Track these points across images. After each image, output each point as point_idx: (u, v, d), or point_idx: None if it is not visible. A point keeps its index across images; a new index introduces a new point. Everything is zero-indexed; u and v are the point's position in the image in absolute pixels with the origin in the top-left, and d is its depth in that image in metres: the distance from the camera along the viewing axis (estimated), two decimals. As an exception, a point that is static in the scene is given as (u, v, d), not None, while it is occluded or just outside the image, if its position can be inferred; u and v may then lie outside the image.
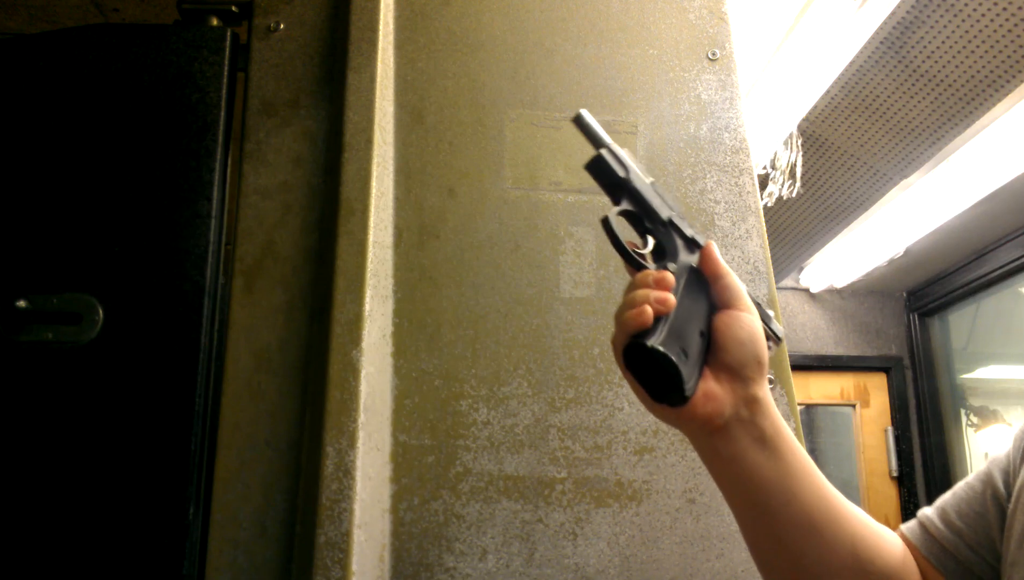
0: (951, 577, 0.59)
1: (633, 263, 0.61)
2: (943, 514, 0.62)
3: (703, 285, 0.61)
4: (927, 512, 0.64)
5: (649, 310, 0.54)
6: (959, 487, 0.63)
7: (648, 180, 0.64)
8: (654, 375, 0.55)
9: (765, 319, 0.61)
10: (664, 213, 0.63)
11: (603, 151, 0.63)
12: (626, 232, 0.62)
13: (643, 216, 0.63)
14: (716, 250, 0.61)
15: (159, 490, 0.82)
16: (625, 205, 0.62)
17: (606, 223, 0.59)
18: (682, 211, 0.65)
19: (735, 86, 1.01)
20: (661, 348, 0.53)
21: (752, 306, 0.59)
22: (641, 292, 0.55)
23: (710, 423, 0.55)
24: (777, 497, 0.55)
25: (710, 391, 0.55)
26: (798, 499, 0.55)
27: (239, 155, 0.93)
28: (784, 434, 0.56)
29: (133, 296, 0.88)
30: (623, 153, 0.64)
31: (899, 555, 0.60)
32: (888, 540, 0.60)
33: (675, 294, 0.57)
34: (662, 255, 0.62)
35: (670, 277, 0.57)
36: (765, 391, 0.56)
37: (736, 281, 0.60)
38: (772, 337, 0.63)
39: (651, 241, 0.63)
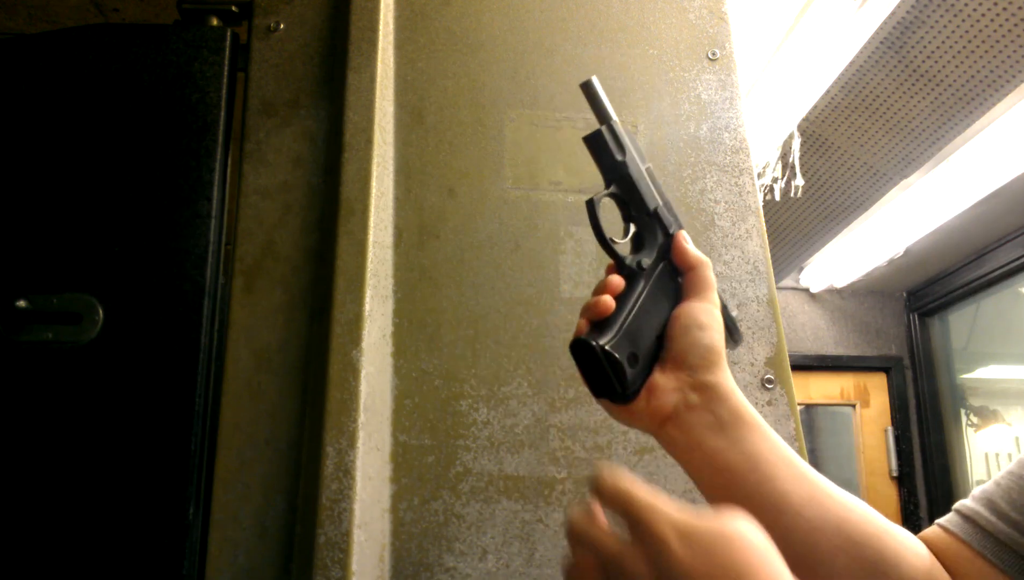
0: (1010, 571, 0.56)
1: (608, 252, 0.60)
2: (992, 505, 0.59)
3: (676, 280, 0.60)
4: (968, 504, 0.60)
5: (583, 322, 0.56)
6: (1002, 478, 0.60)
7: (645, 165, 0.62)
8: (597, 375, 0.55)
9: (728, 320, 0.61)
10: (651, 203, 0.61)
11: (604, 128, 0.61)
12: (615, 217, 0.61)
13: (629, 203, 0.61)
14: (685, 241, 0.60)
15: (159, 490, 0.82)
16: (613, 189, 0.61)
17: (590, 206, 0.59)
18: (670, 201, 0.63)
19: (735, 86, 1.01)
20: (595, 347, 0.53)
21: (715, 297, 0.58)
22: (591, 299, 0.57)
23: (656, 415, 0.55)
24: (746, 481, 0.53)
25: (652, 384, 0.55)
26: (771, 482, 0.53)
27: (239, 155, 0.93)
28: (745, 418, 0.55)
29: (133, 296, 0.88)
30: (624, 133, 0.62)
31: (924, 561, 0.56)
32: (901, 540, 0.57)
33: (639, 294, 0.57)
34: (642, 246, 0.61)
35: (615, 282, 0.57)
36: (720, 378, 0.55)
37: (703, 274, 0.59)
38: (732, 336, 0.62)
39: (632, 229, 0.61)
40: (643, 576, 0.42)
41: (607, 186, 0.61)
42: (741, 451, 0.53)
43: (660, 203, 0.62)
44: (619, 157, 0.61)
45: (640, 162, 0.62)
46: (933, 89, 2.09)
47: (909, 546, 0.57)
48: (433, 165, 0.92)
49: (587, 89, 0.62)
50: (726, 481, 0.54)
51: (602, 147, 0.61)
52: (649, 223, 0.61)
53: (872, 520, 0.56)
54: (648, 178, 0.62)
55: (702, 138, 0.98)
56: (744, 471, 0.53)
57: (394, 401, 0.83)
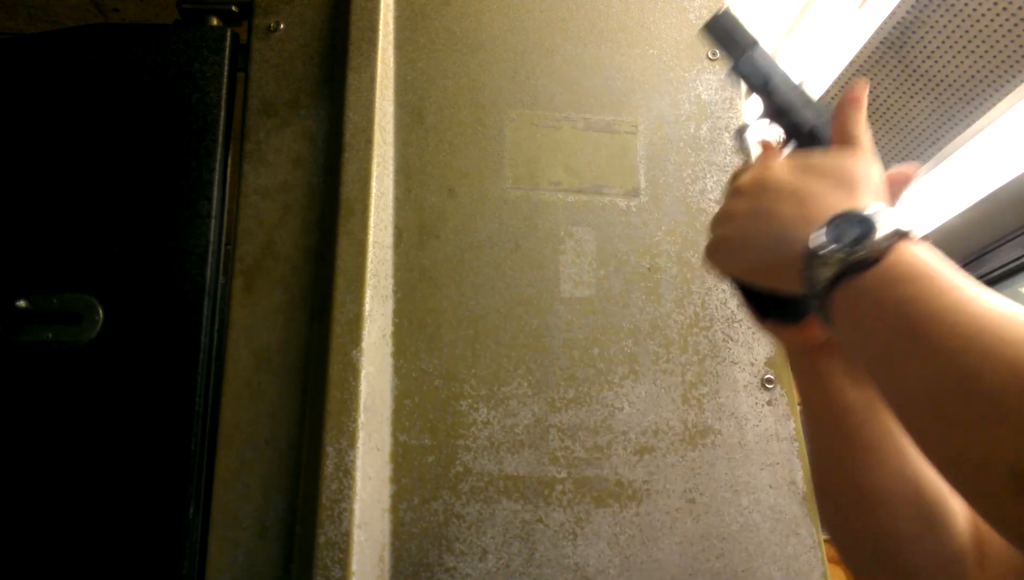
0: None
1: None
2: None
3: None
4: None
5: None
6: None
7: (796, 82, 0.61)
8: (773, 298, 0.54)
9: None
10: (805, 126, 0.59)
11: (752, 52, 0.61)
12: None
13: (782, 127, 0.60)
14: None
15: (159, 490, 0.82)
16: (763, 114, 0.60)
17: (739, 134, 0.58)
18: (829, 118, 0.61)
19: (735, 86, 1.01)
20: None
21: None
22: None
23: (806, 342, 0.56)
24: (851, 419, 0.54)
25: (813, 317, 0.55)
26: (870, 426, 0.54)
27: (239, 155, 0.93)
28: None
29: (133, 296, 0.88)
30: (765, 56, 0.60)
31: (966, 534, 0.57)
32: (955, 510, 0.57)
33: None
34: None
35: None
36: None
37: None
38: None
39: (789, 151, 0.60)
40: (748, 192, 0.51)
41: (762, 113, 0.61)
42: (857, 395, 0.54)
43: (816, 123, 0.60)
44: (760, 83, 0.60)
45: (788, 85, 0.61)
46: (933, 89, 2.09)
47: (959, 516, 0.58)
48: (433, 165, 0.92)
49: (718, 24, 0.61)
50: (835, 418, 0.55)
51: (745, 73, 0.61)
52: (808, 144, 0.59)
53: (938, 484, 0.58)
54: (801, 98, 0.60)
55: (702, 138, 0.98)
56: (856, 409, 0.54)
57: (394, 401, 0.83)
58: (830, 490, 0.56)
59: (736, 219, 0.51)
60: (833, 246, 0.42)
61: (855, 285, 0.41)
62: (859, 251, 0.41)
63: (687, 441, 0.85)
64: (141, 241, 0.90)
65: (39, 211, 0.91)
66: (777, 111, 0.60)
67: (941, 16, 1.81)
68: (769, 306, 0.56)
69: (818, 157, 0.51)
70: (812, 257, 0.43)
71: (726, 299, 0.92)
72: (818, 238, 0.43)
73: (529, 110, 0.96)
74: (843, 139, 0.55)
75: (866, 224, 0.42)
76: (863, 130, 0.55)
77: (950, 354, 0.35)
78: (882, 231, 0.41)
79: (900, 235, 0.41)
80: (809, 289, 0.44)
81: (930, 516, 0.54)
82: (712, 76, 1.01)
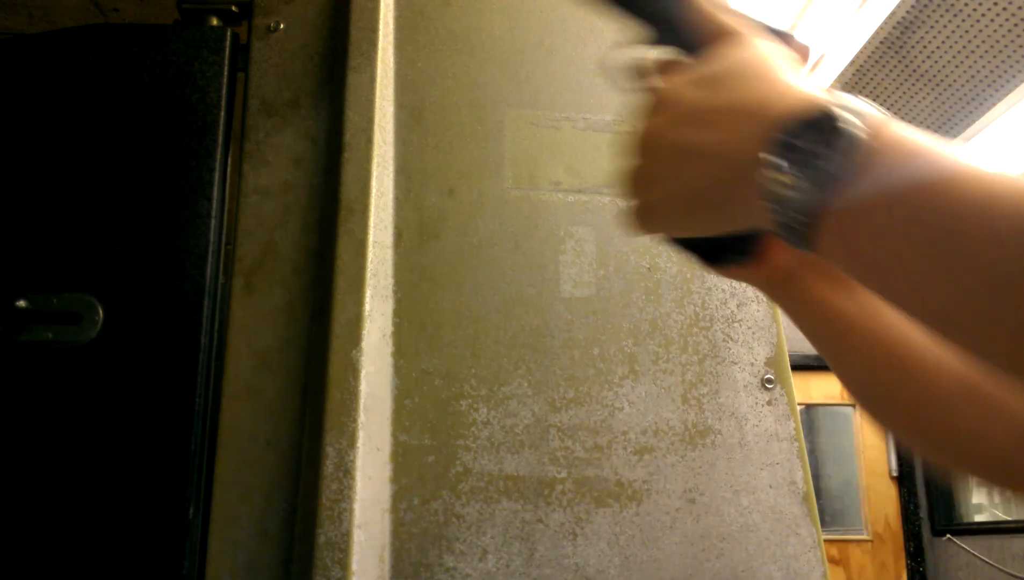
0: None
1: None
2: None
3: None
4: None
5: None
6: None
7: None
8: (712, 245, 0.48)
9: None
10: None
11: None
12: None
13: (678, 42, 0.47)
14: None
15: (159, 490, 0.82)
16: (651, 39, 0.48)
17: (613, 67, 0.48)
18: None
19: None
20: None
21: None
22: None
23: (772, 274, 0.50)
24: (866, 332, 0.48)
25: (766, 243, 0.49)
26: (891, 334, 0.48)
27: (239, 155, 0.93)
28: None
29: (133, 296, 0.88)
30: None
31: None
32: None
33: None
34: None
35: None
36: None
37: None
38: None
39: None
40: (662, 127, 0.40)
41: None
42: (860, 304, 0.48)
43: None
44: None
45: None
46: (933, 89, 2.09)
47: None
48: (433, 165, 0.92)
49: None
50: (844, 336, 0.49)
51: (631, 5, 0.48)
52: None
53: None
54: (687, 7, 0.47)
55: (702, 138, 0.98)
56: (864, 321, 0.48)
57: (394, 401, 0.83)
58: (877, 408, 0.49)
59: (661, 173, 0.41)
60: (796, 165, 0.32)
61: (840, 207, 0.32)
62: (832, 161, 0.31)
63: (687, 441, 0.85)
64: (141, 241, 0.90)
65: (39, 211, 0.91)
66: (664, 30, 0.47)
67: (941, 16, 1.81)
68: (714, 249, 0.49)
69: (713, 58, 0.41)
70: (775, 187, 0.33)
71: (726, 299, 0.92)
72: (775, 160, 0.33)
73: (529, 110, 0.96)
74: (718, 32, 0.44)
75: (824, 123, 0.32)
76: (734, 16, 0.44)
77: (993, 250, 0.27)
78: (852, 126, 0.31)
79: (873, 124, 0.32)
80: (783, 224, 0.35)
81: (992, 395, 0.45)
82: (712, 76, 1.01)
